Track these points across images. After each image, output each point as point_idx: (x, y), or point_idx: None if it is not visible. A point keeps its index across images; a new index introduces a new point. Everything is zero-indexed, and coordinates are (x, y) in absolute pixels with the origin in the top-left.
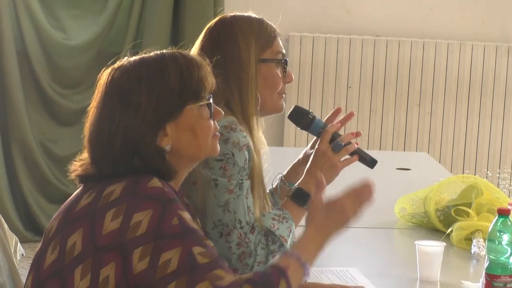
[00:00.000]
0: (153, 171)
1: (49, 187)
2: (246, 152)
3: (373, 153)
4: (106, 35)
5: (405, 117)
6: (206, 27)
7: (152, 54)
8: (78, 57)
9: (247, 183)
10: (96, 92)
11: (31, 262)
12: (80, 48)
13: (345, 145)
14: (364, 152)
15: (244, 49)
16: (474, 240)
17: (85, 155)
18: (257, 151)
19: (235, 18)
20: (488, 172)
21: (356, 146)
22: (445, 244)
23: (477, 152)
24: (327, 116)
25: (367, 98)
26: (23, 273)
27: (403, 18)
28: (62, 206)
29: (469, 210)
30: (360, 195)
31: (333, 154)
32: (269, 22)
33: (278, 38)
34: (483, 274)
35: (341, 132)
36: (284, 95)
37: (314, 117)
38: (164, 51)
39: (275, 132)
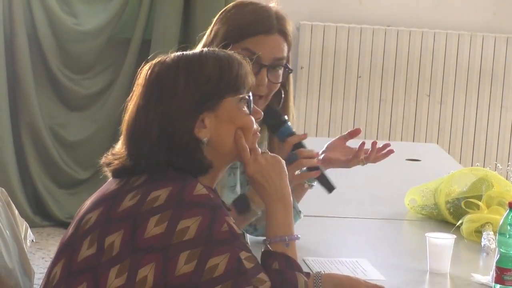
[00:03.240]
0: (188, 163)
1: (58, 172)
2: None
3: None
4: (117, 21)
5: (414, 108)
6: (222, 11)
7: (193, 51)
8: (89, 42)
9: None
10: (134, 88)
11: (37, 244)
12: (91, 33)
13: (303, 158)
14: (324, 175)
15: (214, 34)
16: (484, 233)
17: (119, 149)
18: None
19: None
20: (498, 164)
21: (317, 164)
22: (455, 236)
23: (486, 143)
24: (344, 133)
25: (377, 88)
26: (32, 258)
27: (414, 8)
28: (100, 196)
29: (479, 203)
30: None
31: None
32: (269, 17)
33: (268, 37)
34: (493, 268)
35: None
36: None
37: (286, 121)
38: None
39: None
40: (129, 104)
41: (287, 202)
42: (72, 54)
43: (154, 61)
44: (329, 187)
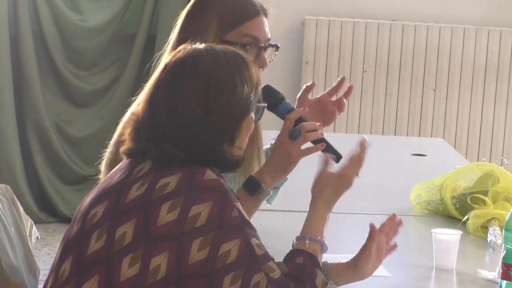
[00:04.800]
0: (230, 164)
1: (63, 169)
2: None
3: (388, 138)
4: (121, 17)
5: (420, 102)
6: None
7: (219, 46)
8: (94, 38)
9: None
10: (164, 73)
11: (43, 241)
12: (96, 29)
13: (304, 133)
14: (330, 145)
15: (205, 25)
16: (490, 229)
17: (141, 134)
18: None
19: None
20: (504, 159)
21: (322, 136)
22: (461, 232)
23: (492, 137)
24: (330, 88)
25: (383, 83)
26: (38, 254)
27: (420, 3)
28: (102, 190)
29: (486, 198)
30: (359, 159)
31: (289, 143)
32: (255, 1)
33: (259, 19)
34: (500, 264)
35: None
36: None
37: (283, 98)
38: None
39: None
40: (157, 91)
41: (329, 212)
42: (77, 50)
43: (193, 51)
44: (337, 157)
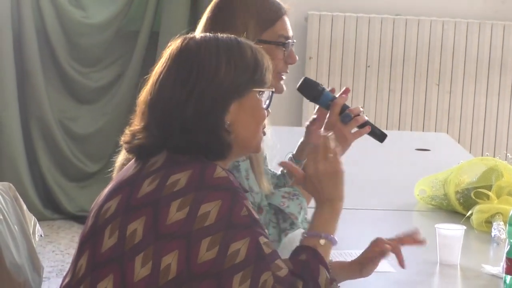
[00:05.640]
0: (214, 146)
1: (67, 165)
2: None
3: (392, 133)
4: (125, 14)
5: (424, 97)
6: (213, 1)
7: (220, 34)
8: (97, 35)
9: (244, 164)
10: (162, 61)
11: (47, 238)
12: (99, 26)
13: (354, 116)
14: (374, 126)
15: (241, 28)
16: (494, 223)
17: (137, 126)
18: None
19: None
20: (508, 154)
21: (366, 118)
22: (465, 227)
23: (496, 132)
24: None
25: (386, 78)
26: (43, 251)
27: None
28: (117, 184)
29: (489, 193)
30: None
31: (343, 126)
32: (277, 0)
33: (285, 18)
34: (504, 259)
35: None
36: (284, 77)
37: (323, 89)
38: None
39: (293, 112)
40: (153, 78)
41: (335, 206)
42: (80, 47)
43: (185, 37)
44: (381, 137)
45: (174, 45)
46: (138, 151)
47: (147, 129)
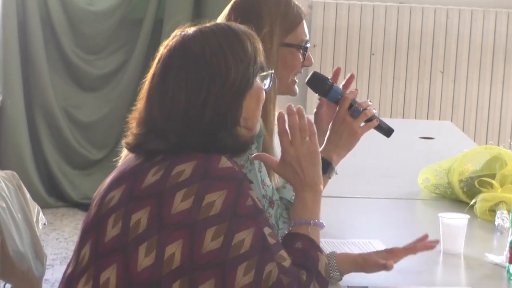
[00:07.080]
0: (236, 145)
1: (72, 153)
2: None
3: (396, 121)
4: (129, 1)
5: (428, 85)
6: (232, 2)
7: (209, 25)
8: (101, 23)
9: None
10: (158, 64)
11: (51, 225)
12: (103, 14)
13: (363, 110)
14: (382, 120)
15: (268, 32)
16: (498, 212)
17: (140, 128)
18: (270, 129)
19: None
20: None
21: (374, 111)
22: (469, 216)
23: (500, 120)
24: (342, 84)
25: (391, 66)
26: (46, 239)
27: None
28: (120, 173)
29: (493, 182)
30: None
31: (352, 120)
32: (297, 3)
33: (304, 22)
34: (507, 248)
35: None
36: (296, 80)
37: (332, 84)
38: (218, 22)
39: (297, 102)
40: (150, 81)
41: (317, 189)
42: (84, 34)
43: (179, 35)
44: (388, 132)
45: (171, 45)
46: (151, 155)
47: (162, 136)
